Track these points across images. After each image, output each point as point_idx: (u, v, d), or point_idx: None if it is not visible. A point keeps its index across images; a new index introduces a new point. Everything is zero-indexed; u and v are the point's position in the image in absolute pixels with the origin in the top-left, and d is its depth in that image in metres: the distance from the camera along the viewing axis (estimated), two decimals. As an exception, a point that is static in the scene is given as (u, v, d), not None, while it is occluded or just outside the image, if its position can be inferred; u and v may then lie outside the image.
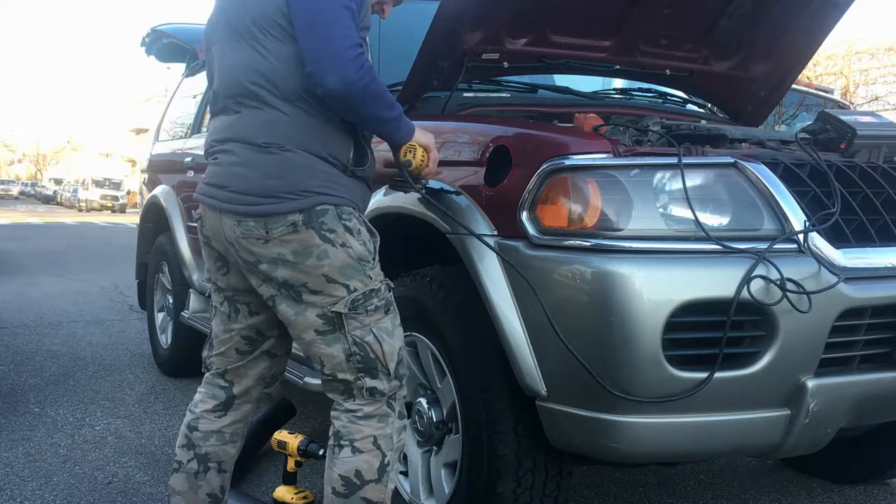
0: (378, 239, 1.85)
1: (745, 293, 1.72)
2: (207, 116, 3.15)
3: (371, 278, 1.79)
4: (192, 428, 1.97)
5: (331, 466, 1.82)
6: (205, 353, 2.02)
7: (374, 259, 1.81)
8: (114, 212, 32.63)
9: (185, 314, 3.98)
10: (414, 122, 1.85)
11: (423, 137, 1.86)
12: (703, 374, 1.74)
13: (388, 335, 1.81)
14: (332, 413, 1.86)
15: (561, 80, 3.02)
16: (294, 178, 1.72)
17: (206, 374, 2.01)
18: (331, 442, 1.85)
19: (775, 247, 1.80)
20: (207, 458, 1.95)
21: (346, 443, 1.80)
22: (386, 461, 1.80)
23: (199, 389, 2.02)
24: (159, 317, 4.54)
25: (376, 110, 1.74)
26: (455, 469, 2.13)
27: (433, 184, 2.09)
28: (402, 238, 2.42)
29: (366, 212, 1.88)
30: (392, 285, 1.87)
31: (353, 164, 1.79)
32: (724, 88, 2.98)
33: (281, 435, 2.47)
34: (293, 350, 2.08)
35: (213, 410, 1.97)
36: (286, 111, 1.73)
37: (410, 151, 1.84)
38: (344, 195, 1.76)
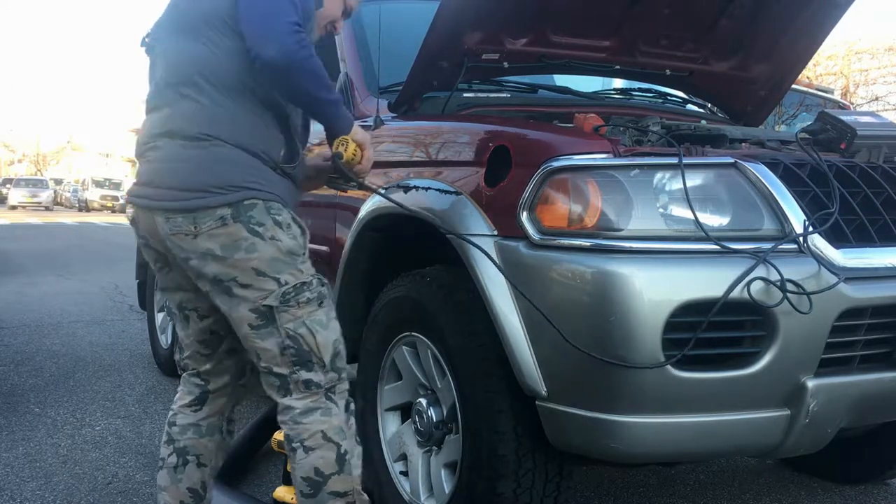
0: (308, 235, 1.87)
1: (744, 294, 1.72)
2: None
3: (302, 272, 1.80)
4: (171, 424, 2.03)
5: (293, 472, 1.86)
6: (177, 357, 2.07)
7: (304, 253, 1.83)
8: (114, 212, 32.56)
9: (185, 314, 3.96)
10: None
11: (360, 134, 1.87)
12: (704, 375, 1.74)
13: (322, 327, 1.81)
14: (279, 419, 1.87)
15: (561, 80, 3.01)
16: (223, 172, 1.73)
17: (183, 374, 2.06)
18: (286, 448, 1.87)
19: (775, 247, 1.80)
20: (185, 451, 2.00)
21: (297, 445, 1.82)
22: (342, 451, 1.81)
23: (178, 388, 2.07)
24: (159, 317, 4.52)
25: (313, 88, 1.74)
26: (455, 469, 2.13)
27: (428, 184, 2.11)
28: (402, 239, 2.42)
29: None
30: (325, 281, 1.87)
31: (283, 162, 1.81)
32: (724, 88, 2.98)
33: (281, 435, 2.46)
34: None
35: (189, 405, 2.02)
36: (222, 104, 1.75)
37: (343, 144, 1.85)
38: (272, 190, 1.78)
